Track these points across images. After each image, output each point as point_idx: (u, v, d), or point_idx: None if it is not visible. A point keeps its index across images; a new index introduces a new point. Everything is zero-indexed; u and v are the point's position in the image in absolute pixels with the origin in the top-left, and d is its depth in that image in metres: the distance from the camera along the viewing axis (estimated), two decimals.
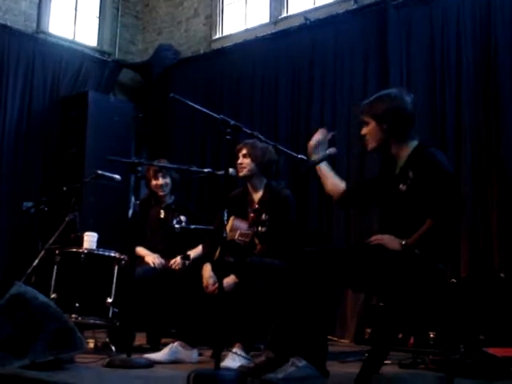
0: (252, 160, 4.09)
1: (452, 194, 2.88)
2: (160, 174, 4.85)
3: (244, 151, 4.12)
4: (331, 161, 3.42)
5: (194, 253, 4.55)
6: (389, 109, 3.14)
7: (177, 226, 4.65)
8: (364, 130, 3.23)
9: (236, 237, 3.93)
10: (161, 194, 4.91)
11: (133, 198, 6.49)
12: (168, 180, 4.89)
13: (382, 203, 3.26)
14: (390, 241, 2.97)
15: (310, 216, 6.26)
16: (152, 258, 4.66)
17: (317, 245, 4.62)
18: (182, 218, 4.64)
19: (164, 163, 4.86)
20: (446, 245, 3.03)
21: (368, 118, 3.19)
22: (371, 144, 3.21)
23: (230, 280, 3.75)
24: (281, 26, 7.29)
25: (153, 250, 4.74)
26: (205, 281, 3.87)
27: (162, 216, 4.87)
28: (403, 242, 2.93)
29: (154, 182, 4.89)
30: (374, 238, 3.03)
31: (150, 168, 4.86)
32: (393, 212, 3.14)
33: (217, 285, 3.72)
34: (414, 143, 3.16)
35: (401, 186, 3.07)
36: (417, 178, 3.00)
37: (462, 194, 2.98)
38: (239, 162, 4.12)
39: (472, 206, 5.26)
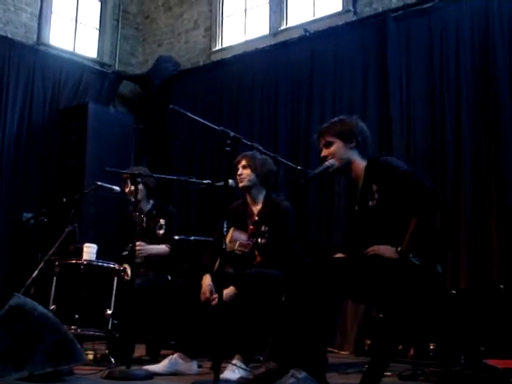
0: (252, 171, 4.10)
1: (421, 188, 2.97)
2: (129, 181, 4.73)
3: (243, 162, 4.13)
4: (329, 172, 3.43)
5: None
6: (355, 128, 3.28)
7: (176, 237, 4.66)
8: (326, 151, 3.29)
9: (236, 247, 3.93)
10: (132, 200, 4.83)
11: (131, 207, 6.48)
12: (140, 186, 4.75)
13: (356, 223, 3.28)
14: (385, 250, 2.99)
15: (309, 227, 6.25)
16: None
17: (316, 256, 4.62)
18: (161, 221, 4.62)
19: (139, 170, 4.55)
20: (440, 241, 3.06)
21: (332, 137, 3.27)
22: (335, 164, 3.26)
23: (229, 291, 3.75)
24: (280, 38, 7.31)
25: (133, 256, 4.56)
26: (203, 291, 3.87)
27: (145, 224, 4.82)
28: (398, 249, 2.95)
29: (125, 189, 4.83)
30: (370, 249, 3.04)
31: (122, 176, 4.79)
32: (369, 229, 3.17)
33: (216, 296, 3.71)
34: (365, 162, 3.24)
35: (370, 203, 3.12)
36: (382, 190, 3.08)
37: (430, 184, 3.06)
38: (239, 173, 4.12)
39: (471, 216, 5.26)
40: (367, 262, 2.99)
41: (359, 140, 3.25)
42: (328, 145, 3.28)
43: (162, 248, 4.74)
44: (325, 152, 3.30)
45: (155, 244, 4.74)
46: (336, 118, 3.39)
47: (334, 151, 3.25)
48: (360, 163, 3.25)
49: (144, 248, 4.59)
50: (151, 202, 4.96)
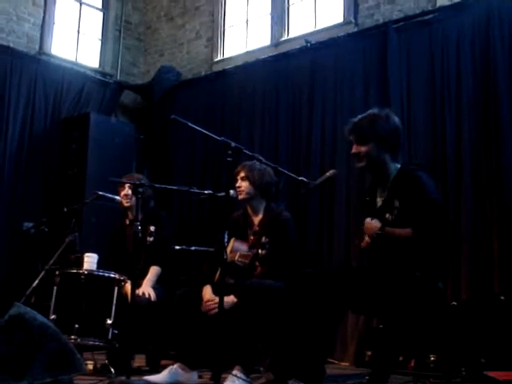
0: (250, 183, 4.08)
1: (435, 222, 2.96)
2: (128, 185, 4.68)
3: (242, 174, 4.12)
4: (331, 182, 3.43)
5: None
6: (391, 128, 3.18)
7: (177, 247, 4.64)
8: (359, 149, 3.22)
9: (236, 258, 3.92)
10: (126, 204, 4.78)
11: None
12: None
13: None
14: (372, 227, 3.04)
15: (309, 238, 6.24)
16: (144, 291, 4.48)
17: (316, 266, 4.60)
18: (151, 228, 4.58)
19: (136, 179, 4.54)
20: (444, 263, 3.04)
21: (367, 137, 3.18)
22: (365, 163, 3.22)
23: (229, 299, 3.74)
24: (282, 49, 7.33)
25: (134, 269, 4.32)
26: (204, 304, 3.86)
27: (141, 234, 4.71)
28: (380, 229, 3.01)
29: (122, 193, 4.76)
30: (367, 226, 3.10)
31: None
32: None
33: (216, 300, 3.67)
34: (398, 165, 3.20)
35: (387, 215, 3.10)
36: (403, 207, 3.04)
37: (447, 220, 3.03)
38: (237, 185, 4.12)
39: (472, 227, 5.25)
40: (368, 273, 2.99)
41: (392, 141, 3.18)
42: (360, 142, 3.20)
43: (154, 274, 4.64)
44: (356, 149, 3.22)
45: (146, 251, 4.66)
46: (371, 112, 3.29)
47: (367, 152, 3.18)
48: (390, 166, 3.20)
49: (145, 292, 4.47)
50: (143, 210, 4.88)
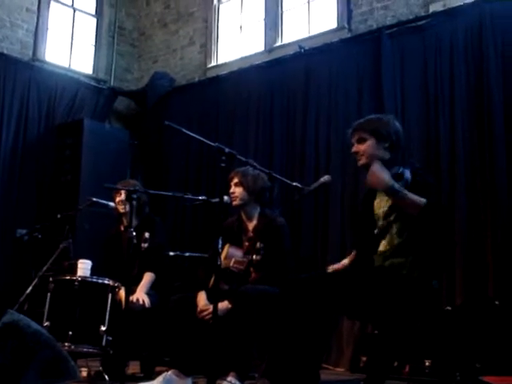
0: (244, 188, 4.07)
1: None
2: (123, 191, 4.66)
3: (235, 180, 4.11)
4: (325, 188, 3.43)
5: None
6: (391, 127, 3.19)
7: (171, 253, 4.63)
8: (358, 147, 3.22)
9: (231, 264, 3.92)
10: (122, 211, 4.78)
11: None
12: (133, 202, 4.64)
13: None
14: (382, 175, 2.98)
15: (304, 243, 6.24)
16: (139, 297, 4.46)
17: (310, 272, 4.60)
18: (146, 234, 4.57)
19: (134, 185, 4.50)
20: (439, 259, 3.04)
21: (366, 134, 3.19)
22: (364, 160, 3.21)
23: (223, 305, 3.74)
24: (275, 55, 7.34)
25: (128, 275, 4.42)
26: (199, 309, 3.85)
27: (135, 240, 4.67)
28: (391, 185, 2.94)
29: (117, 199, 4.76)
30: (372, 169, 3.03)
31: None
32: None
33: (210, 309, 3.66)
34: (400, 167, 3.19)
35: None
36: (413, 182, 3.04)
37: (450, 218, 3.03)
38: (231, 191, 4.10)
39: (466, 232, 5.26)
40: (363, 277, 2.99)
41: (393, 140, 3.18)
42: (361, 141, 3.20)
43: (149, 280, 4.62)
44: (356, 148, 3.22)
45: (140, 257, 4.66)
46: (373, 115, 3.33)
47: (366, 149, 3.18)
48: (392, 165, 3.17)
49: (139, 299, 4.44)
50: (138, 217, 4.87)
